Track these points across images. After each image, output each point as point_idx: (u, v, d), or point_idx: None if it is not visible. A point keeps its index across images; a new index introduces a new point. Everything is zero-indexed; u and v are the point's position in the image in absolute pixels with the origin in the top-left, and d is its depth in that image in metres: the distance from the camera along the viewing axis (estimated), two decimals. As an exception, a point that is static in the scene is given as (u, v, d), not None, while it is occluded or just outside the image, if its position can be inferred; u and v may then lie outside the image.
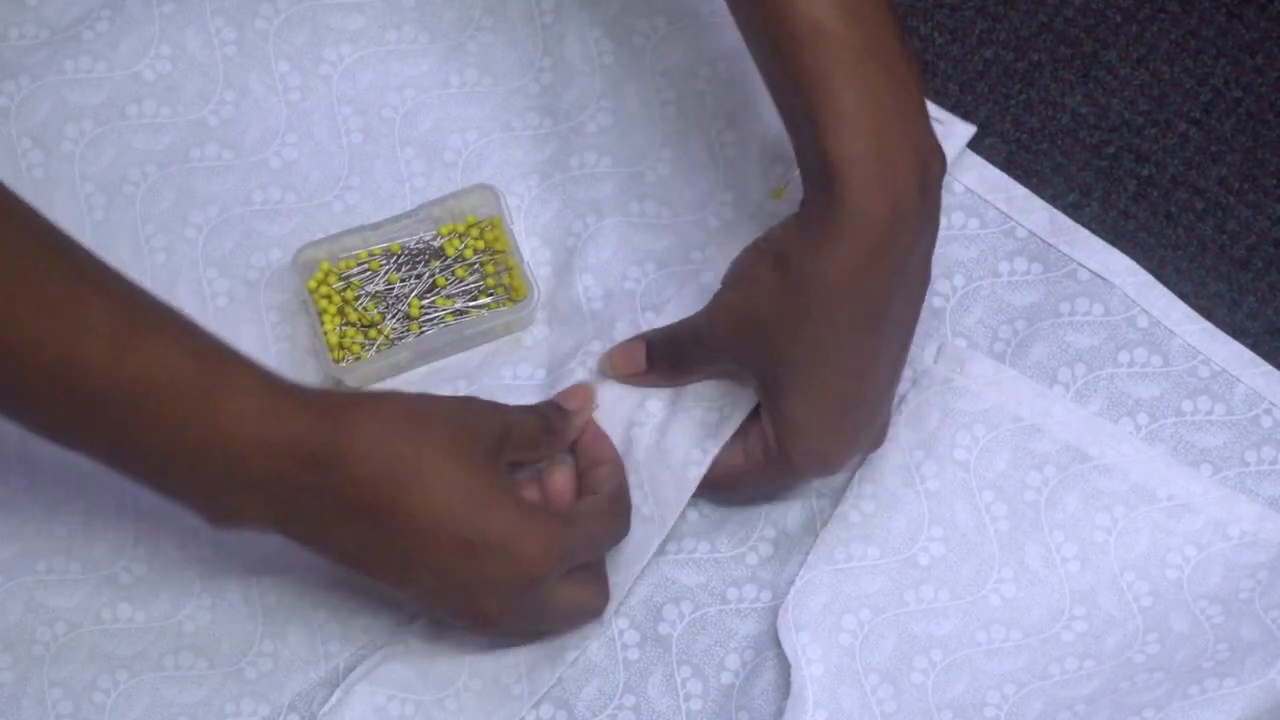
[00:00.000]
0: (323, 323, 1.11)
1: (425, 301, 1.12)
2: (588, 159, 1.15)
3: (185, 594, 1.09)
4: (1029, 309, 1.12)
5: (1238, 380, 1.11)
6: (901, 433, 1.09)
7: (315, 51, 1.16)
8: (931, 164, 0.96)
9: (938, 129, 1.10)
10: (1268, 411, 1.10)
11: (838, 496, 1.10)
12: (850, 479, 1.09)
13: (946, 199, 1.14)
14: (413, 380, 1.12)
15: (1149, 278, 1.12)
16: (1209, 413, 1.10)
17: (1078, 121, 1.18)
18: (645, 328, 1.11)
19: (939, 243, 1.12)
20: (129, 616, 1.08)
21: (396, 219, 1.12)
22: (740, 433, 1.06)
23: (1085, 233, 1.13)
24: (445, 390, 1.11)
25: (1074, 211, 1.15)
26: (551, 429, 1.05)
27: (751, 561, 1.09)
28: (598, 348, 1.11)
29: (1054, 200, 1.15)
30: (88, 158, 1.14)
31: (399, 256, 1.13)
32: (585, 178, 1.15)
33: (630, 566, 1.07)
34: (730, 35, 1.15)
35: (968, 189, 1.15)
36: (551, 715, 1.07)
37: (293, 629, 1.08)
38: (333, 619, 1.08)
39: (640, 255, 1.13)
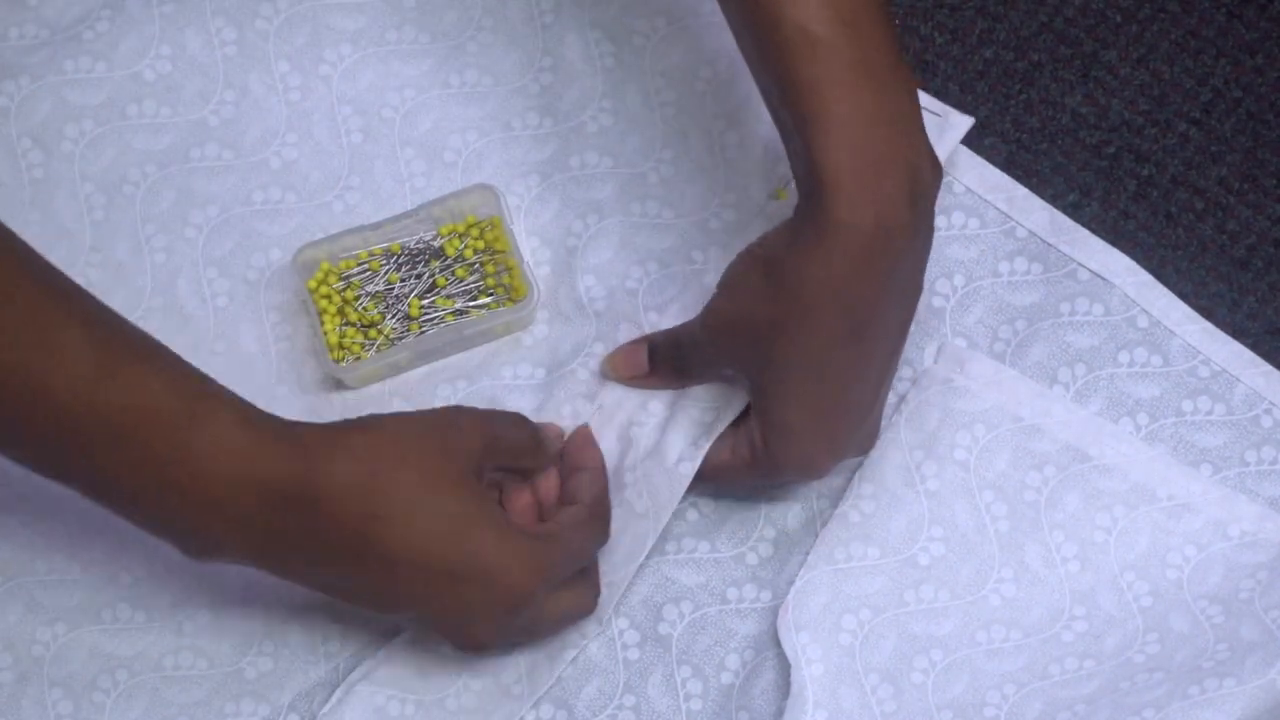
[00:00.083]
0: (323, 323, 1.11)
1: (425, 301, 1.12)
2: (588, 159, 1.15)
3: (185, 594, 1.09)
4: (1029, 309, 1.12)
5: (1238, 380, 1.11)
6: (901, 433, 1.09)
7: (315, 51, 1.16)
8: (923, 175, 0.96)
9: (934, 121, 1.10)
10: (1268, 411, 1.10)
11: (838, 496, 1.10)
12: (850, 479, 1.09)
13: (946, 199, 1.14)
14: (412, 380, 1.12)
15: (1149, 278, 1.12)
16: (1209, 413, 1.10)
17: (1078, 121, 1.18)
18: (648, 329, 1.11)
19: (940, 243, 1.13)
20: (129, 617, 1.08)
21: (396, 219, 1.12)
22: (729, 430, 1.07)
23: (1085, 233, 1.13)
24: (445, 390, 1.11)
25: (1074, 211, 1.15)
26: (540, 442, 1.05)
27: (751, 561, 1.09)
28: (600, 349, 1.11)
29: (1054, 200, 1.15)
30: (88, 158, 1.14)
31: (399, 256, 1.13)
32: (585, 178, 1.15)
33: (627, 564, 1.07)
34: (731, 35, 1.15)
35: (968, 189, 1.15)
36: (551, 715, 1.07)
37: (293, 629, 1.08)
38: (333, 619, 1.08)
39: (642, 255, 1.13)
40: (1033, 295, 1.13)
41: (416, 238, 1.13)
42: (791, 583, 1.07)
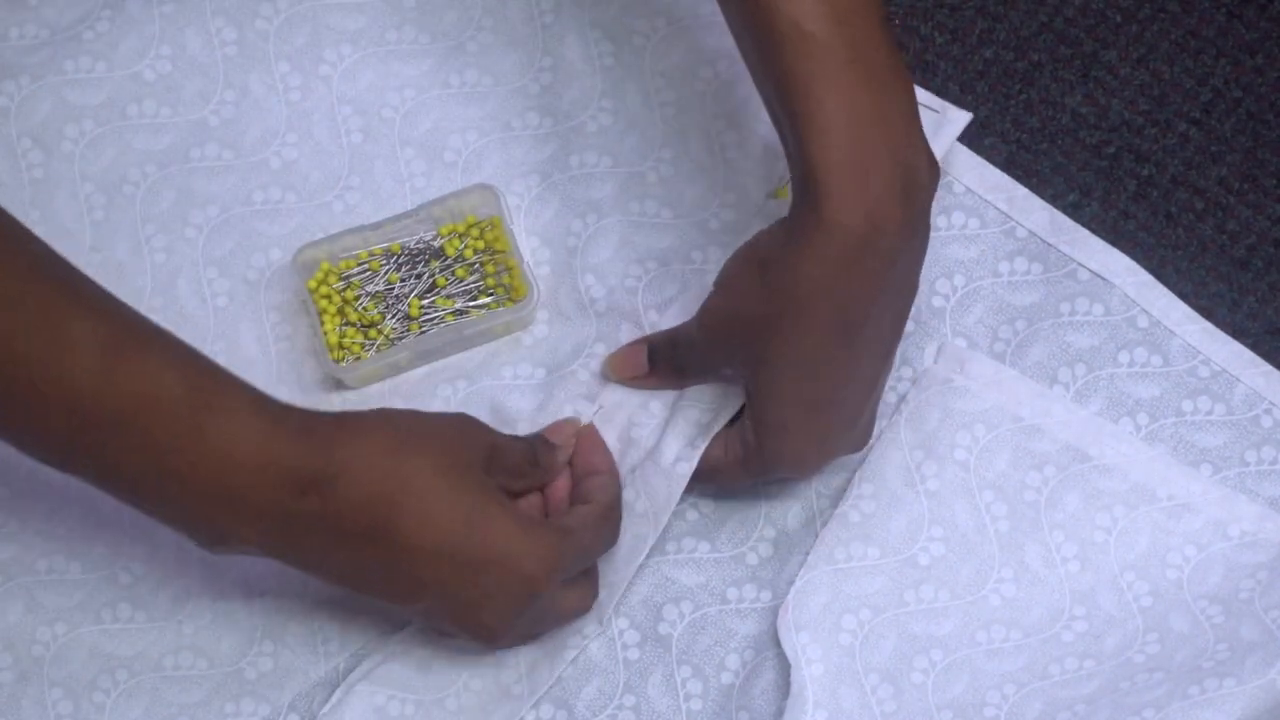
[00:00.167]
0: (323, 323, 1.11)
1: (425, 301, 1.12)
2: (588, 159, 1.15)
3: (185, 594, 1.09)
4: (1029, 309, 1.12)
5: (1238, 380, 1.11)
6: (901, 433, 1.09)
7: (315, 52, 1.16)
8: (918, 174, 0.96)
9: (932, 117, 1.10)
10: (1268, 411, 1.10)
11: (838, 496, 1.10)
12: (850, 479, 1.09)
13: (946, 199, 1.14)
14: (412, 380, 1.12)
15: (1149, 278, 1.12)
16: (1209, 413, 1.10)
17: (1078, 121, 1.18)
18: (648, 329, 1.11)
19: (939, 243, 1.13)
20: (129, 616, 1.08)
21: (396, 219, 1.12)
22: (724, 428, 1.07)
23: (1085, 233, 1.13)
24: (445, 390, 1.11)
25: (1074, 211, 1.15)
26: (537, 462, 1.05)
27: (751, 561, 1.09)
28: (602, 350, 1.11)
29: (1054, 200, 1.15)
30: (88, 158, 1.14)
31: (399, 256, 1.13)
32: (585, 177, 1.15)
33: (627, 564, 1.07)
34: (730, 36, 1.15)
35: (968, 189, 1.15)
36: (551, 715, 1.07)
37: (293, 629, 1.08)
38: (333, 619, 1.08)
39: (641, 254, 1.13)
40: (1033, 295, 1.12)
41: (416, 238, 1.13)
42: (791, 583, 1.07)
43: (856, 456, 1.10)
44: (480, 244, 1.13)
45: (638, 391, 1.10)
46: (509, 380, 1.12)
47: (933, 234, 1.11)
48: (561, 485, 1.07)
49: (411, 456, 0.97)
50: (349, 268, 1.12)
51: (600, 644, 1.08)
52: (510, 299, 1.12)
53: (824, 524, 1.09)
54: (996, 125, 1.18)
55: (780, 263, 0.97)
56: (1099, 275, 1.12)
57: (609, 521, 1.05)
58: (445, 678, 1.07)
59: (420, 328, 1.12)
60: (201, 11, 1.16)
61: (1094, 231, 1.14)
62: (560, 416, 1.10)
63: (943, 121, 1.14)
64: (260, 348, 1.12)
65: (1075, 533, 1.08)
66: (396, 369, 1.12)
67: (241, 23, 1.16)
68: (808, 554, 1.08)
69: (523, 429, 1.10)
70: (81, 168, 1.14)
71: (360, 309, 1.11)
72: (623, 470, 1.08)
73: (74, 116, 1.15)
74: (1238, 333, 1.12)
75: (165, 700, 1.07)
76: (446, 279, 1.12)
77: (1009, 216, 1.14)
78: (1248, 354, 1.11)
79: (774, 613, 1.07)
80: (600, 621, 1.08)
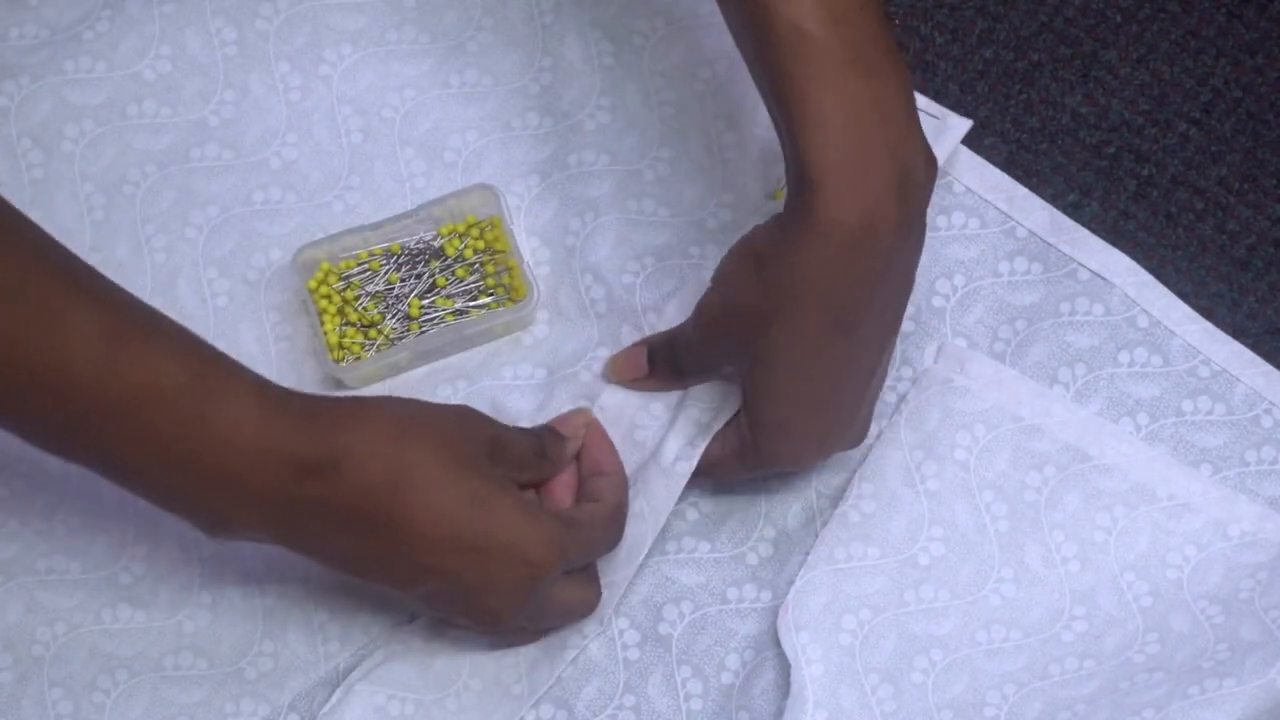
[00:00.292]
0: (323, 323, 1.11)
1: (425, 301, 1.12)
2: (586, 157, 1.15)
3: (185, 594, 1.09)
4: (1029, 309, 1.12)
5: (1238, 380, 1.11)
6: (901, 433, 1.09)
7: (315, 52, 1.16)
8: (915, 172, 0.96)
9: (932, 124, 1.10)
10: (1268, 411, 1.10)
11: (838, 496, 1.10)
12: (850, 479, 1.09)
13: (946, 199, 1.14)
14: (413, 380, 1.12)
15: (1149, 278, 1.12)
16: (1209, 413, 1.10)
17: (1078, 121, 1.18)
18: (648, 330, 1.11)
19: (939, 243, 1.13)
20: (129, 616, 1.08)
21: (396, 219, 1.12)
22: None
23: (1085, 232, 1.13)
24: (445, 390, 1.11)
25: (1074, 211, 1.15)
26: (544, 453, 1.05)
27: (751, 561, 1.09)
28: (604, 353, 1.11)
29: (1054, 200, 1.15)
30: (88, 158, 1.15)
31: (399, 256, 1.13)
32: (583, 176, 1.15)
33: (627, 564, 1.07)
34: (730, 36, 1.15)
35: (968, 189, 1.15)
36: (551, 715, 1.07)
37: (293, 629, 1.08)
38: (333, 619, 1.08)
39: (639, 250, 1.13)
40: (1033, 295, 1.12)
41: (416, 238, 1.13)
42: (791, 583, 1.07)
43: (856, 456, 1.10)
44: (480, 244, 1.13)
45: (638, 394, 1.10)
46: (509, 380, 1.12)
47: (933, 234, 1.12)
48: (562, 480, 1.06)
49: (414, 442, 0.97)
50: (349, 268, 1.12)
51: (600, 644, 1.08)
52: (510, 299, 1.12)
53: (824, 524, 1.09)
54: (996, 125, 1.18)
55: (776, 258, 0.97)
56: (1099, 275, 1.12)
57: (615, 522, 1.05)
58: (445, 677, 1.07)
59: (420, 328, 1.12)
60: (201, 11, 1.16)
61: (1094, 231, 1.14)
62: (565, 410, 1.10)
63: (943, 129, 1.14)
64: (260, 348, 1.12)
65: (1075, 533, 1.08)
66: (396, 369, 1.12)
67: (241, 23, 1.16)
68: (808, 554, 1.08)
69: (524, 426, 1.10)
70: (81, 168, 1.14)
71: (360, 309, 1.11)
72: (627, 470, 1.08)
73: (74, 116, 1.15)
74: (1238, 333, 1.12)
75: (165, 700, 1.07)
76: (446, 279, 1.12)
77: (1009, 216, 1.14)
78: (1248, 354, 1.11)
79: (774, 613, 1.07)
80: (600, 621, 1.08)
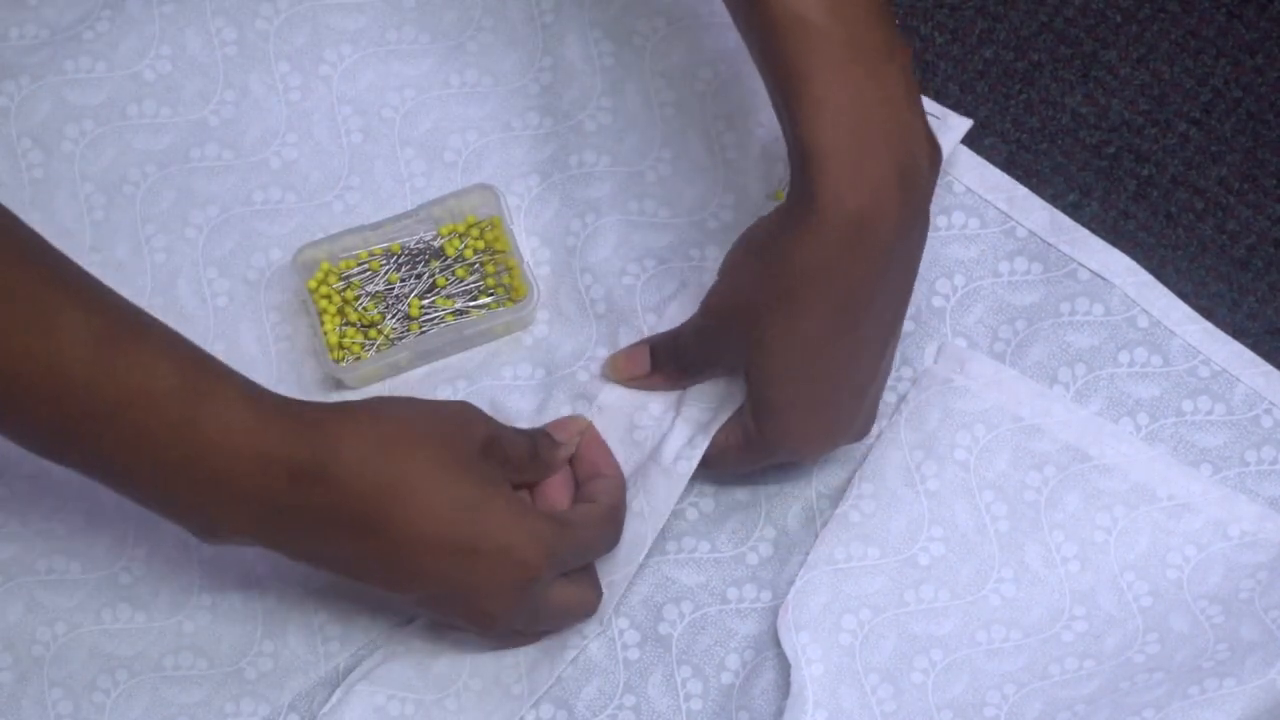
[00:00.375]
0: (323, 323, 1.11)
1: (425, 301, 1.12)
2: (586, 158, 1.15)
3: (185, 594, 1.09)
4: (1029, 309, 1.12)
5: (1238, 380, 1.11)
6: (901, 433, 1.09)
7: (315, 52, 1.16)
8: (918, 158, 0.96)
9: (932, 123, 1.10)
10: (1268, 411, 1.10)
11: (838, 496, 1.10)
12: (850, 479, 1.09)
13: (946, 199, 1.14)
14: (412, 380, 1.12)
15: (1149, 278, 1.12)
16: (1209, 413, 1.10)
17: (1078, 121, 1.18)
18: (647, 331, 1.11)
19: (939, 242, 1.13)
20: (129, 616, 1.08)
21: (396, 219, 1.12)
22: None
23: (1085, 232, 1.13)
24: (445, 390, 1.11)
25: (1074, 211, 1.15)
26: (537, 456, 1.05)
27: (751, 561, 1.09)
28: (603, 353, 1.11)
29: (1054, 200, 1.15)
30: (88, 158, 1.15)
31: (399, 256, 1.13)
32: (584, 176, 1.15)
33: (626, 564, 1.07)
34: (731, 36, 1.15)
35: (968, 189, 1.15)
36: (551, 715, 1.07)
37: (293, 629, 1.08)
38: (333, 619, 1.08)
39: (640, 252, 1.13)
40: (1033, 295, 1.12)
41: (416, 238, 1.13)
42: (791, 583, 1.07)
43: (856, 456, 1.10)
44: (480, 244, 1.13)
45: (637, 394, 1.10)
46: (509, 380, 1.12)
47: (933, 234, 1.11)
48: (555, 483, 1.06)
49: (405, 445, 0.97)
50: (349, 268, 1.12)
51: (600, 644, 1.08)
52: (510, 299, 1.12)
53: (824, 524, 1.09)
54: (996, 125, 1.18)
55: (779, 246, 0.97)
56: (1099, 275, 1.12)
57: (611, 523, 1.05)
58: (445, 678, 1.07)
59: (420, 328, 1.12)
60: (201, 11, 1.16)
61: (1094, 231, 1.14)
62: (560, 417, 1.10)
63: (943, 128, 1.14)
64: (260, 348, 1.12)
65: (1075, 533, 1.08)
66: (396, 369, 1.12)
67: (241, 23, 1.16)
68: (808, 554, 1.08)
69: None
70: (81, 168, 1.14)
71: (360, 309, 1.11)
72: (625, 471, 1.08)
73: (74, 116, 1.15)
74: (1238, 333, 1.12)
75: (165, 700, 1.07)
76: (446, 279, 1.12)
77: (1009, 216, 1.14)
78: (1248, 354, 1.11)
79: (774, 613, 1.07)
80: (600, 621, 1.08)
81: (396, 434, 0.98)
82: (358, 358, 1.11)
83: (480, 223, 1.13)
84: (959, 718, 1.05)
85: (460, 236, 1.13)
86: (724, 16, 1.15)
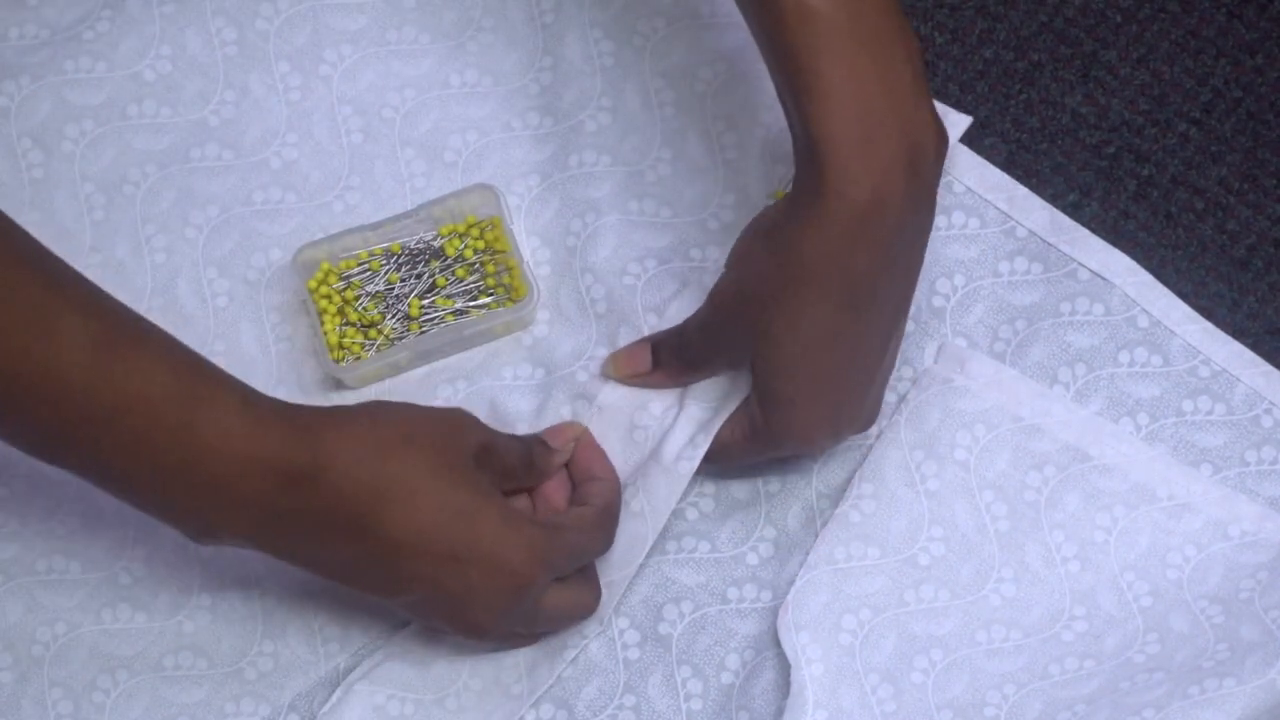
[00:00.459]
0: (323, 323, 1.11)
1: (425, 301, 1.12)
2: (586, 158, 1.15)
3: (185, 594, 1.09)
4: (1029, 309, 1.12)
5: (1238, 380, 1.11)
6: (901, 433, 1.09)
7: (316, 52, 1.16)
8: (924, 146, 0.96)
9: None
10: (1268, 411, 1.10)
11: (838, 496, 1.10)
12: (850, 479, 1.09)
13: (946, 199, 1.14)
14: (412, 380, 1.12)
15: (1149, 277, 1.12)
16: (1209, 413, 1.10)
17: (1078, 121, 1.18)
18: (647, 331, 1.11)
19: (939, 242, 1.13)
20: (129, 616, 1.08)
21: (396, 219, 1.12)
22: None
23: (1085, 232, 1.13)
24: (445, 390, 1.11)
25: (1074, 211, 1.15)
26: (531, 463, 1.05)
27: (751, 561, 1.09)
28: (602, 353, 1.11)
29: (1054, 200, 1.15)
30: (88, 158, 1.15)
31: (399, 256, 1.13)
32: (584, 176, 1.15)
33: (626, 564, 1.07)
34: (731, 36, 1.15)
35: (968, 189, 1.15)
36: (552, 715, 1.07)
37: (293, 629, 1.08)
38: (333, 619, 1.08)
39: (640, 252, 1.13)
40: (1033, 295, 1.12)
41: (416, 238, 1.13)
42: (791, 583, 1.07)
43: (856, 456, 1.10)
44: (480, 244, 1.13)
45: (637, 393, 1.10)
46: (509, 381, 1.12)
47: (933, 234, 1.11)
48: (553, 486, 1.07)
49: (399, 450, 0.97)
50: (349, 268, 1.12)
51: (600, 644, 1.08)
52: (510, 299, 1.12)
53: (824, 524, 1.09)
54: (996, 125, 1.18)
55: (785, 234, 0.97)
56: (1099, 275, 1.12)
57: (603, 525, 1.04)
58: (445, 677, 1.07)
59: (420, 328, 1.12)
60: (201, 11, 1.16)
61: (1094, 231, 1.14)
62: (560, 418, 1.10)
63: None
64: (260, 348, 1.12)
65: (1075, 533, 1.08)
66: (396, 369, 1.12)
67: (241, 23, 1.16)
68: (808, 554, 1.08)
69: (522, 430, 1.10)
70: (81, 168, 1.14)
71: (360, 309, 1.11)
72: (625, 472, 1.08)
73: (74, 116, 1.15)
74: (1238, 333, 1.12)
75: (165, 700, 1.07)
76: (446, 279, 1.12)
77: (1009, 216, 1.14)
78: (1248, 354, 1.11)
79: (774, 613, 1.07)
80: (600, 621, 1.08)
81: (391, 439, 0.98)
82: (358, 358, 1.11)
83: (480, 223, 1.13)
84: (959, 718, 1.05)
85: (460, 236, 1.13)
86: (724, 16, 1.15)
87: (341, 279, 1.12)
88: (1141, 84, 1.18)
